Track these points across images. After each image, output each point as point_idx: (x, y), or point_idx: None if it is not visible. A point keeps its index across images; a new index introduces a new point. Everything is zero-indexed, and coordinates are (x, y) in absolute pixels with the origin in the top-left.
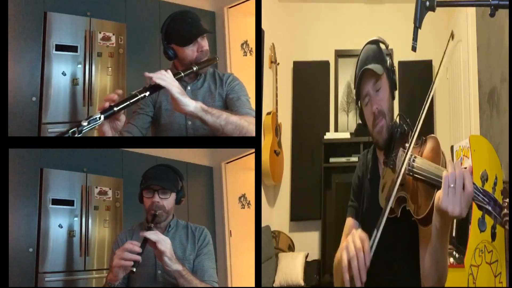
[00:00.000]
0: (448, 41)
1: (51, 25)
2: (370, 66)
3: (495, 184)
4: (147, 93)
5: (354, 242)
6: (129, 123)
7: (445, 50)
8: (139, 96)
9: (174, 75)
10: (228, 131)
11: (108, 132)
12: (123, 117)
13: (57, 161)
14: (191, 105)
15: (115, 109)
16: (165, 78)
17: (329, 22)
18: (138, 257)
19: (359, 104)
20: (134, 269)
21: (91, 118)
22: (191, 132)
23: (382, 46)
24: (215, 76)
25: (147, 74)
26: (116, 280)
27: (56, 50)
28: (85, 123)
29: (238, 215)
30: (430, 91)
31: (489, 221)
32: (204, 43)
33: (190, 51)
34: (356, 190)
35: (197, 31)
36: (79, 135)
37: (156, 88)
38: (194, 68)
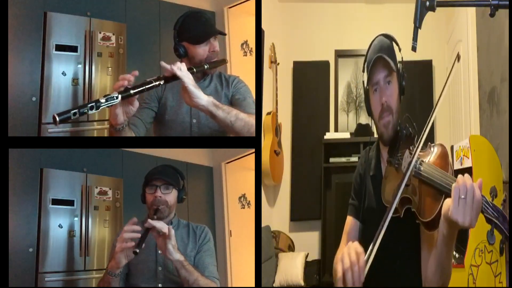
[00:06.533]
0: (454, 62)
1: (51, 25)
2: (385, 56)
3: (495, 195)
4: (162, 82)
5: (350, 255)
6: (134, 115)
7: (450, 71)
8: (155, 83)
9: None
10: (238, 127)
11: (120, 115)
12: (136, 103)
13: (57, 161)
14: (204, 98)
15: (132, 92)
16: (182, 69)
17: (329, 22)
18: (138, 235)
19: (367, 88)
20: (137, 250)
21: (109, 96)
22: (195, 131)
23: (395, 46)
24: (221, 77)
25: (163, 64)
26: (117, 267)
27: (56, 50)
28: (102, 100)
29: (238, 215)
30: (434, 110)
31: (497, 235)
32: (216, 44)
33: (201, 50)
34: (357, 188)
35: (211, 30)
36: (96, 111)
37: (170, 78)
38: (206, 67)
